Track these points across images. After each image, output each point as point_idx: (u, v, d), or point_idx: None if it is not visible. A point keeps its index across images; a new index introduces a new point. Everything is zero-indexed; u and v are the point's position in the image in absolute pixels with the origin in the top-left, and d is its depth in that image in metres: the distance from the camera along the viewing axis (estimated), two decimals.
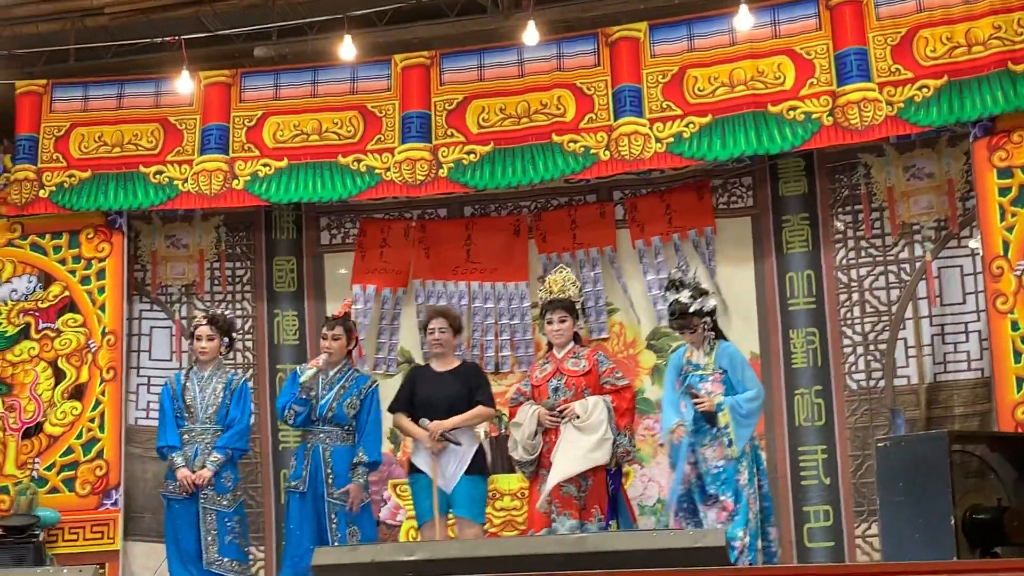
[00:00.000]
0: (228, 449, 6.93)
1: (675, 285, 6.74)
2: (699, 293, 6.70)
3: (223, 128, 8.48)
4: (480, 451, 6.81)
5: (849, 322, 8.01)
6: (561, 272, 7.19)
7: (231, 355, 8.71)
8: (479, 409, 6.75)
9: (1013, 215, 7.17)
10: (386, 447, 8.61)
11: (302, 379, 6.89)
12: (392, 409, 7.03)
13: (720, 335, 6.73)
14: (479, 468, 6.76)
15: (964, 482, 4.32)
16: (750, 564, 6.09)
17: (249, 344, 8.82)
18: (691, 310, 6.62)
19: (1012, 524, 4.26)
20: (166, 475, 7.00)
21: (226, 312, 8.20)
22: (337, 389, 6.94)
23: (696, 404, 6.44)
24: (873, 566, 4.51)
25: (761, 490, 6.43)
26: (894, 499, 4.32)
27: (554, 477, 6.47)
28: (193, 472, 6.82)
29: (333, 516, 6.70)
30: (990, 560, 4.01)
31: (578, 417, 6.55)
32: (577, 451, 6.48)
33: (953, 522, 4.24)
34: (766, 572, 4.07)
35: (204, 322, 7.14)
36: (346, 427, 6.90)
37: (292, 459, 7.18)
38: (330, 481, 6.75)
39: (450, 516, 6.88)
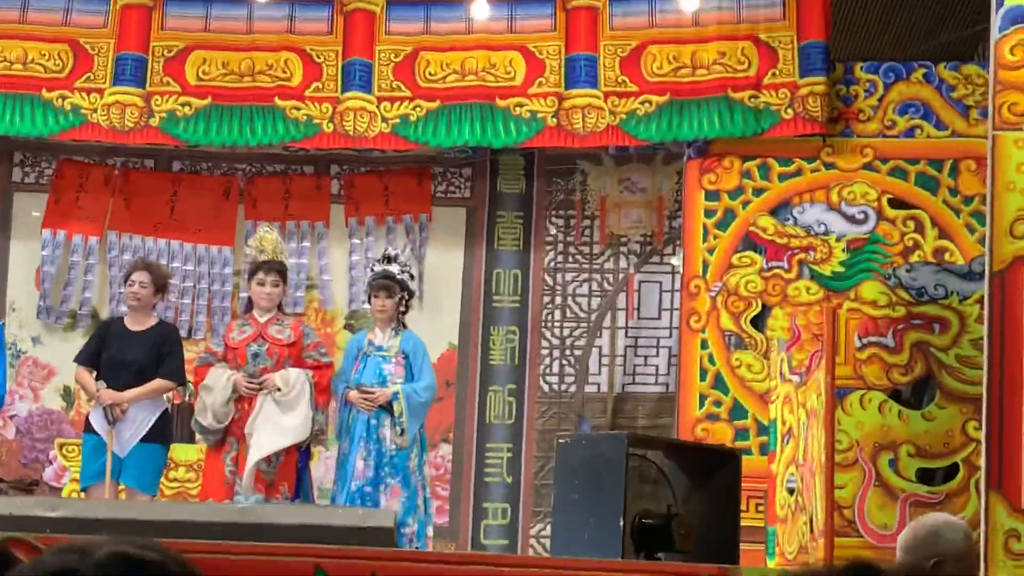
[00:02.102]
0: None
1: (387, 259, 6.71)
2: (407, 272, 6.67)
3: None
4: (164, 417, 6.44)
5: (549, 325, 8.08)
6: (272, 233, 6.92)
7: None
8: (158, 383, 6.37)
9: (715, 237, 7.39)
10: (58, 403, 8.12)
11: None
12: (78, 359, 6.59)
13: (404, 325, 6.67)
14: (159, 435, 6.38)
15: (639, 486, 4.34)
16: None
17: None
18: (397, 276, 6.57)
19: (679, 532, 4.31)
20: None
21: None
22: None
23: (365, 400, 6.33)
24: (538, 559, 4.50)
25: (426, 480, 6.45)
26: (569, 497, 4.31)
27: (254, 455, 6.19)
28: None
29: None
30: (650, 563, 4.04)
31: (279, 390, 6.30)
32: (279, 425, 6.23)
33: (622, 524, 4.24)
34: (428, 557, 3.98)
35: None
36: None
37: None
38: None
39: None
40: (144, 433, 6.31)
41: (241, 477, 6.23)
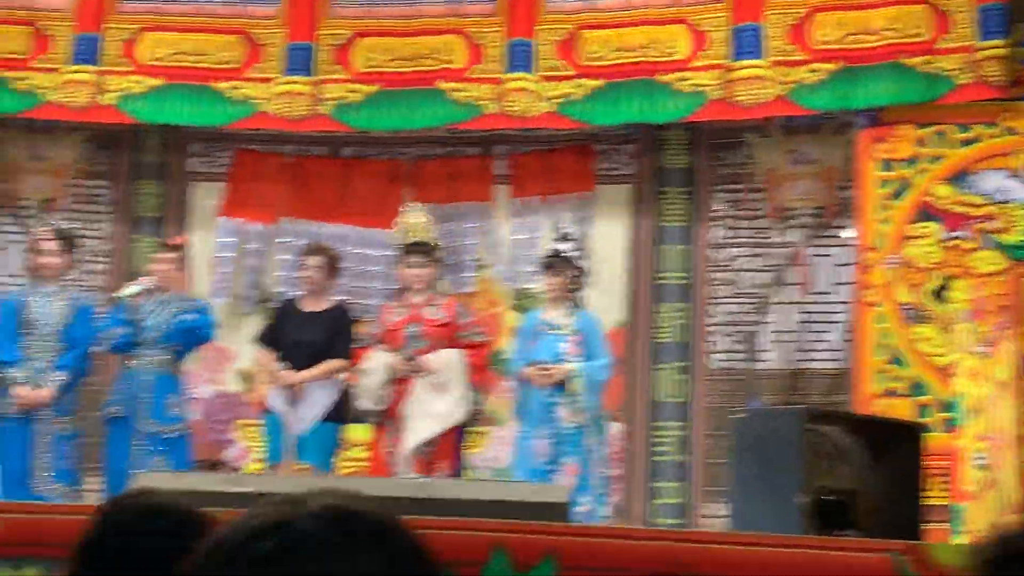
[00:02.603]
0: (71, 369, 6.59)
1: (559, 237, 6.70)
2: (577, 250, 6.64)
3: (95, 38, 8.06)
4: (341, 397, 6.57)
5: (717, 302, 7.97)
6: (419, 213, 6.99)
7: (85, 277, 8.36)
8: (330, 363, 6.49)
9: (890, 208, 7.18)
10: (237, 386, 8.35)
11: (124, 293, 6.62)
12: (256, 341, 6.79)
13: (579, 303, 6.64)
14: (335, 415, 6.51)
15: (817, 462, 4.25)
16: None
17: (104, 267, 8.45)
18: (563, 255, 6.56)
19: (860, 509, 4.22)
20: None
21: (77, 229, 7.78)
22: (166, 313, 6.67)
23: (542, 376, 6.31)
24: (718, 534, 4.44)
25: (603, 459, 6.39)
26: (746, 474, 4.24)
27: (414, 438, 6.27)
28: (32, 391, 6.47)
29: (143, 442, 6.43)
30: (837, 539, 3.95)
31: (433, 372, 6.36)
32: (435, 409, 6.29)
33: (802, 501, 4.17)
34: (607, 532, 3.96)
35: (50, 236, 6.74)
36: (172, 351, 6.64)
37: (113, 384, 6.87)
38: (144, 408, 6.49)
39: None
40: (322, 413, 6.44)
41: (400, 457, 6.32)
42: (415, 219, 6.77)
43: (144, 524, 1.90)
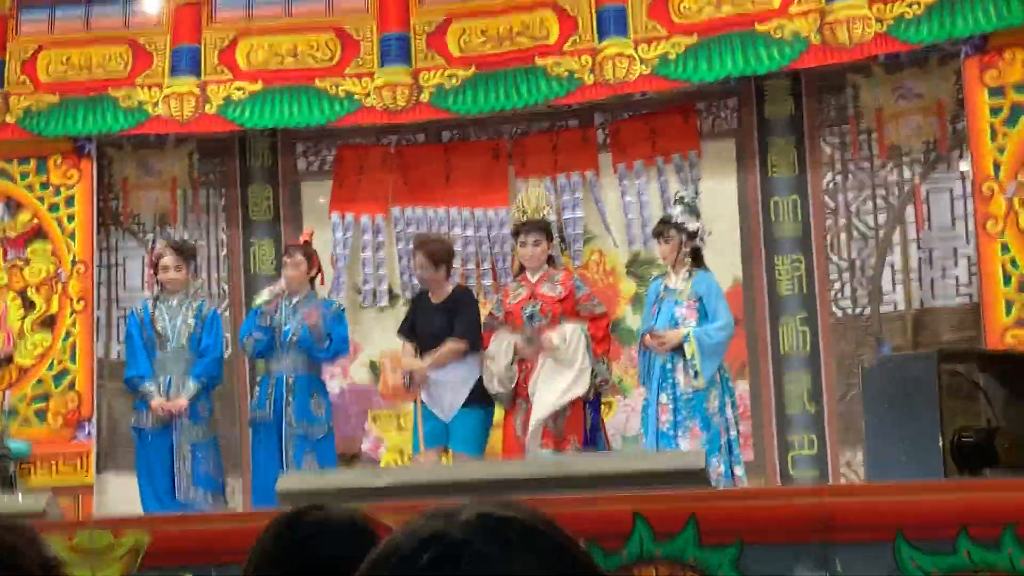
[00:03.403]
0: (203, 378, 6.76)
1: (678, 200, 6.65)
2: (690, 212, 6.56)
3: (194, 49, 8.24)
4: (480, 381, 6.63)
5: (835, 248, 7.85)
6: (535, 190, 7.00)
7: (208, 285, 8.57)
8: (449, 345, 6.55)
9: (1004, 135, 7.00)
10: (367, 376, 8.49)
11: (258, 301, 6.75)
12: (399, 332, 6.91)
13: (701, 264, 6.57)
14: (478, 398, 6.58)
15: (953, 403, 4.18)
16: None
17: (224, 274, 8.64)
18: (673, 220, 6.51)
19: (1002, 446, 4.13)
20: (136, 405, 6.81)
21: (194, 239, 7.97)
22: (303, 314, 6.79)
23: (657, 343, 6.28)
24: (857, 486, 4.39)
25: (730, 420, 6.31)
26: (881, 421, 4.19)
27: (537, 414, 6.32)
28: (168, 401, 6.65)
29: (290, 445, 6.56)
30: (981, 480, 3.89)
31: (557, 348, 6.39)
32: (557, 384, 6.32)
33: (941, 443, 4.10)
34: (747, 494, 3.94)
35: (169, 251, 6.90)
36: (311, 354, 6.77)
37: (256, 388, 7.01)
38: (290, 411, 6.61)
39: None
40: (465, 398, 6.51)
41: (529, 435, 6.36)
42: (528, 197, 6.79)
43: (321, 537, 1.95)
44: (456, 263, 8.27)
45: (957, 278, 7.56)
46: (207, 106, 8.16)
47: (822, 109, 7.94)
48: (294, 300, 6.82)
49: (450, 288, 6.78)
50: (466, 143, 8.56)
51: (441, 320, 6.61)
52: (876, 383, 4.16)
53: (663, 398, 6.29)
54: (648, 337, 6.36)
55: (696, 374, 6.24)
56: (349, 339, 7.16)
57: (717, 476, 6.11)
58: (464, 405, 6.50)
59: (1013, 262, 6.88)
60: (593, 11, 7.77)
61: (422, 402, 6.58)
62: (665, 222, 6.52)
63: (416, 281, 7.31)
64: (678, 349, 6.29)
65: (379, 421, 8.14)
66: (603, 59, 7.70)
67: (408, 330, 6.75)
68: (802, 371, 7.81)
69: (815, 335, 7.83)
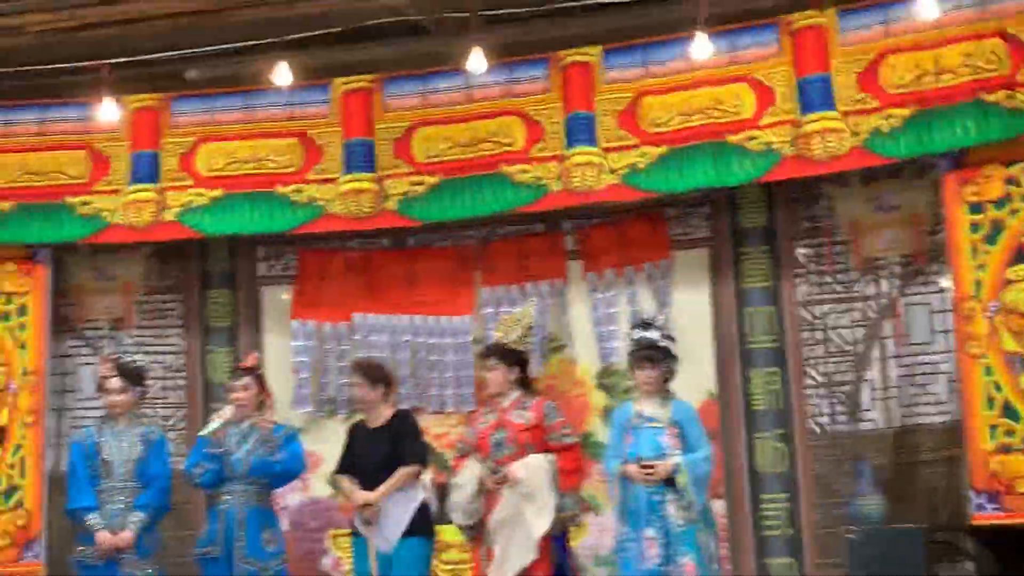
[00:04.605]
0: (151, 508, 6.43)
1: (645, 324, 6.37)
2: (669, 337, 6.32)
3: (153, 156, 8.00)
4: (423, 509, 6.32)
5: (812, 362, 7.64)
6: (516, 310, 6.73)
7: (163, 394, 8.26)
8: (402, 471, 6.25)
9: (985, 252, 6.81)
10: (327, 492, 8.17)
11: (206, 432, 6.45)
12: (338, 470, 6.57)
13: (671, 392, 6.32)
14: (421, 528, 6.27)
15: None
16: None
17: (181, 383, 8.35)
18: (660, 344, 6.24)
19: None
20: (78, 539, 6.46)
21: (149, 346, 7.64)
22: (253, 442, 6.49)
23: (646, 474, 6.00)
24: None
25: (716, 555, 6.03)
26: None
27: (508, 568, 6.02)
28: (113, 534, 6.31)
29: None
30: None
31: (520, 482, 6.10)
32: (525, 534, 6.02)
33: None
34: None
35: (113, 373, 6.59)
36: (262, 483, 6.46)
37: (204, 524, 6.67)
38: (241, 546, 6.29)
39: None
40: (405, 528, 6.22)
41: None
42: (505, 319, 6.54)
43: None
44: (420, 371, 8.01)
45: (937, 395, 7.35)
46: (166, 213, 7.91)
47: (796, 219, 7.76)
48: (243, 425, 6.52)
49: (389, 412, 6.49)
50: (431, 249, 8.33)
51: (383, 446, 6.33)
52: (861, 557, 3.92)
53: (650, 532, 5.97)
54: (633, 467, 6.06)
55: (689, 505, 5.96)
56: (304, 456, 6.85)
57: None
58: (406, 534, 6.20)
59: (997, 386, 6.67)
60: (561, 118, 7.58)
61: (358, 534, 6.25)
62: (652, 346, 6.23)
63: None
64: (665, 480, 6.00)
65: (338, 540, 7.82)
66: (570, 167, 7.51)
67: (348, 467, 6.44)
68: (780, 490, 7.55)
69: (792, 452, 7.59)
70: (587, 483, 7.28)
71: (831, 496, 7.42)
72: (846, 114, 7.08)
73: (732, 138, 7.27)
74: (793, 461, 7.57)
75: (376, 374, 6.50)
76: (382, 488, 6.19)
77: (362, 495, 6.20)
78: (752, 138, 7.24)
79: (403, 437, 6.34)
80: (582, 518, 6.62)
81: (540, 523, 6.04)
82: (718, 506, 7.45)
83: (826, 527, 7.37)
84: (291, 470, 6.60)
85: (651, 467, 6.01)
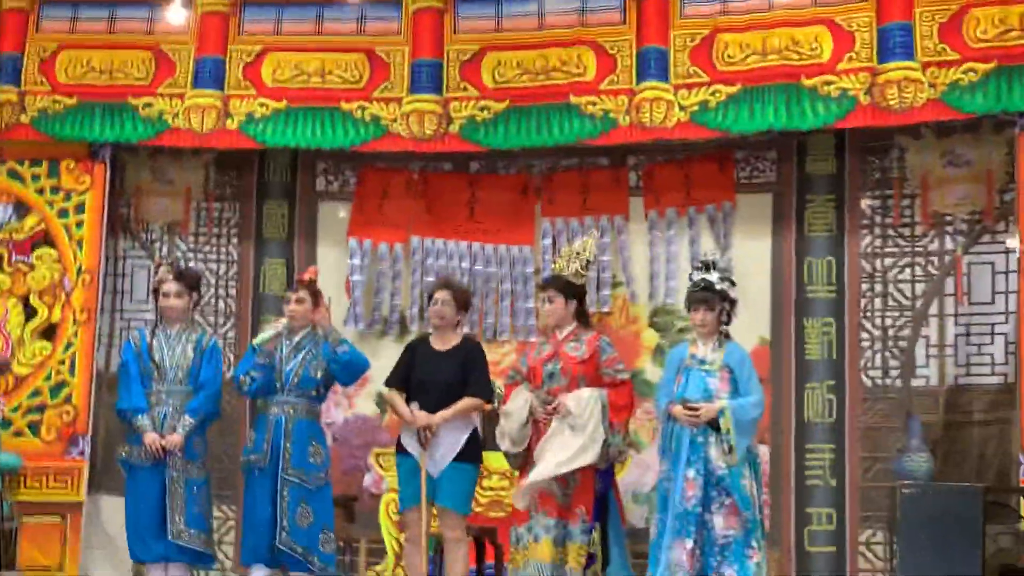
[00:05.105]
0: (200, 413, 6.44)
1: (705, 266, 6.26)
2: (728, 280, 6.22)
3: (219, 61, 7.94)
4: (473, 436, 6.28)
5: (869, 315, 7.54)
6: (576, 243, 6.62)
7: (215, 302, 8.29)
8: (467, 402, 6.18)
9: None
10: (372, 410, 8.20)
11: (258, 341, 6.42)
12: (388, 383, 6.49)
13: (728, 335, 6.23)
14: (470, 455, 6.23)
15: (997, 538, 3.88)
16: None
17: (232, 292, 8.37)
18: (717, 287, 6.15)
19: None
20: (128, 438, 6.50)
21: (204, 253, 7.62)
22: (304, 355, 6.47)
23: (691, 416, 5.94)
24: None
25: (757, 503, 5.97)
26: (916, 552, 3.89)
27: (536, 474, 6.01)
28: (162, 437, 6.35)
29: (285, 493, 6.23)
30: None
31: (571, 414, 6.06)
32: (565, 451, 6.00)
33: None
34: None
35: (170, 278, 6.57)
36: (312, 394, 6.45)
37: (251, 431, 6.67)
38: (287, 456, 6.28)
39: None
40: (456, 453, 6.19)
41: (536, 501, 6.05)
42: (569, 249, 6.45)
43: None
44: (476, 299, 7.97)
45: (993, 356, 7.25)
46: (228, 121, 7.87)
47: (865, 169, 7.63)
48: (296, 339, 6.50)
49: (458, 337, 6.41)
50: (493, 175, 8.26)
51: (450, 369, 6.24)
52: (916, 513, 3.86)
53: (691, 473, 5.92)
54: (679, 408, 6.01)
55: (730, 449, 5.90)
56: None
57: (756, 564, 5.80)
58: (454, 460, 6.17)
59: None
60: (634, 51, 7.46)
61: (409, 455, 6.22)
62: (709, 288, 6.14)
63: (429, 317, 6.87)
64: (709, 422, 5.94)
65: (381, 459, 7.84)
66: (640, 101, 7.39)
67: (401, 380, 6.36)
68: (825, 441, 7.50)
69: (841, 404, 7.52)
70: (632, 420, 7.26)
71: (877, 450, 7.36)
72: (925, 65, 6.92)
73: (807, 81, 7.13)
74: (841, 413, 7.50)
75: (464, 298, 6.41)
76: (446, 412, 6.12)
77: (424, 416, 6.13)
78: (828, 83, 7.10)
79: (473, 367, 6.25)
80: (628, 454, 6.58)
81: (588, 455, 6.01)
82: (762, 451, 7.39)
83: (870, 481, 7.32)
84: (357, 360, 6.50)
85: (696, 409, 5.95)
